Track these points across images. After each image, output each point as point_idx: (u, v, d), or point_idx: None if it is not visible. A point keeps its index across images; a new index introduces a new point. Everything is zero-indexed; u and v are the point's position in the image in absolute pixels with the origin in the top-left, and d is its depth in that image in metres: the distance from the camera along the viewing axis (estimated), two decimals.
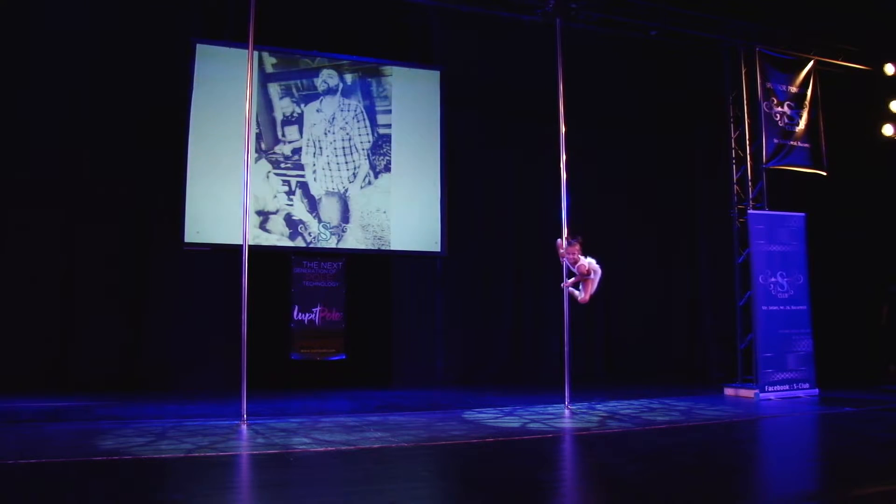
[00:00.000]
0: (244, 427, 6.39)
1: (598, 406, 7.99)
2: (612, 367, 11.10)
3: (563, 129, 8.20)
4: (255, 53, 7.98)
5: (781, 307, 9.00)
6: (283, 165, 9.70)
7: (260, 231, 9.42)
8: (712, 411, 7.61)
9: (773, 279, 9.00)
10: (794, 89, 9.65)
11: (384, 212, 10.11)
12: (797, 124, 9.60)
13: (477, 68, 10.66)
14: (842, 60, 10.10)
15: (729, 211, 9.54)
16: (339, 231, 9.89)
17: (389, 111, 10.29)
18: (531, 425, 6.69)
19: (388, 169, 10.21)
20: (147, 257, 9.23)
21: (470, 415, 7.29)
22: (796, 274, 9.13)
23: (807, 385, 9.00)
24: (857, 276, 10.90)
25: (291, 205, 9.67)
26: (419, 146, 10.36)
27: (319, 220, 9.79)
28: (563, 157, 8.17)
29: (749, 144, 9.39)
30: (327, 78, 10.02)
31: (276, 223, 9.59)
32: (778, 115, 9.49)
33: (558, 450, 5.93)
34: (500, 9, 8.75)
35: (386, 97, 10.28)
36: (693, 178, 11.57)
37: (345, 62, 10.11)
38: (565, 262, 7.52)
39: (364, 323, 9.94)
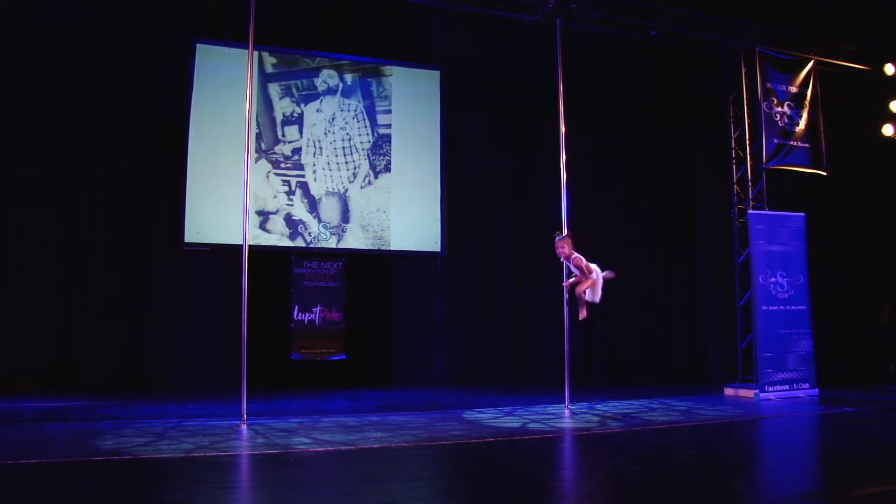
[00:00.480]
0: (244, 427, 6.38)
1: (598, 406, 7.99)
2: (612, 367, 11.10)
3: (563, 128, 8.20)
4: (255, 53, 7.97)
5: (781, 307, 9.00)
6: (283, 165, 9.70)
7: (260, 231, 9.42)
8: (712, 411, 7.61)
9: (773, 279, 9.00)
10: (794, 89, 9.65)
11: (384, 212, 10.11)
12: (797, 124, 9.60)
13: (477, 68, 10.66)
14: (842, 60, 10.10)
15: (729, 211, 9.54)
16: (339, 231, 9.89)
17: (389, 111, 10.29)
18: (531, 425, 6.69)
19: (388, 169, 10.21)
20: (147, 257, 9.22)
21: (470, 415, 7.29)
22: (796, 274, 9.13)
23: (807, 385, 9.00)
24: (857, 276, 10.90)
25: (291, 205, 9.68)
26: (419, 146, 10.36)
27: (319, 220, 9.79)
28: (563, 157, 8.16)
29: (749, 144, 9.38)
30: (327, 78, 10.02)
31: (276, 223, 9.60)
32: (778, 115, 9.49)
33: (558, 450, 5.93)
34: (500, 9, 8.75)
35: (386, 97, 10.28)
36: (693, 178, 11.56)
37: (345, 62, 10.11)
38: (565, 262, 7.51)
39: (364, 323, 9.94)
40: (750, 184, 9.34)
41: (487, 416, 7.18)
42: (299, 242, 9.68)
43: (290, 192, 9.69)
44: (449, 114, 10.51)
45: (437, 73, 10.50)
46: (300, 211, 9.71)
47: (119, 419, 6.69)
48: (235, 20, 8.94)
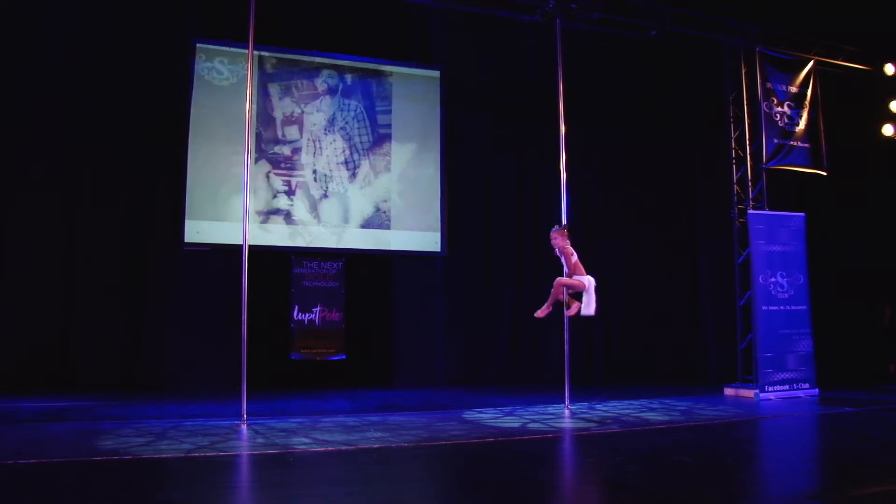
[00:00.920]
0: (244, 427, 6.38)
1: (598, 406, 7.99)
2: (612, 367, 11.10)
3: (563, 128, 8.20)
4: (255, 53, 7.97)
5: (781, 307, 9.00)
6: (283, 165, 9.70)
7: (260, 231, 9.41)
8: (712, 411, 7.61)
9: (773, 279, 8.99)
10: (794, 89, 9.65)
11: (384, 212, 10.11)
12: (797, 124, 9.60)
13: (477, 68, 10.67)
14: (842, 60, 10.09)
15: (729, 211, 9.54)
16: (339, 231, 9.89)
17: (389, 111, 10.29)
18: (531, 425, 6.69)
19: (388, 169, 10.21)
20: (147, 257, 9.22)
21: (470, 415, 7.29)
22: (796, 274, 9.13)
23: (807, 385, 9.00)
24: (857, 277, 10.89)
25: (291, 205, 9.68)
26: (419, 146, 10.36)
27: (319, 220, 9.79)
28: (563, 157, 8.17)
29: (749, 144, 9.38)
30: (327, 78, 10.03)
31: (276, 223, 9.60)
32: (778, 115, 9.49)
33: (558, 450, 5.93)
34: (500, 9, 8.74)
35: (386, 97, 10.28)
36: (693, 178, 11.57)
37: (345, 62, 10.11)
38: (559, 255, 7.44)
39: (364, 323, 9.94)
40: (750, 184, 9.34)
41: (487, 416, 7.18)
42: (299, 242, 9.68)
43: (290, 192, 9.69)
44: (449, 114, 10.51)
45: (437, 73, 10.51)
46: (300, 211, 9.72)
47: (119, 419, 6.69)
48: (235, 20, 8.95)
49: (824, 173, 9.71)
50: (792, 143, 9.54)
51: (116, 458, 5.02)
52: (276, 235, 9.57)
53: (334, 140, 9.97)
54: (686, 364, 11.30)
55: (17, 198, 8.70)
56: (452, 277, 10.51)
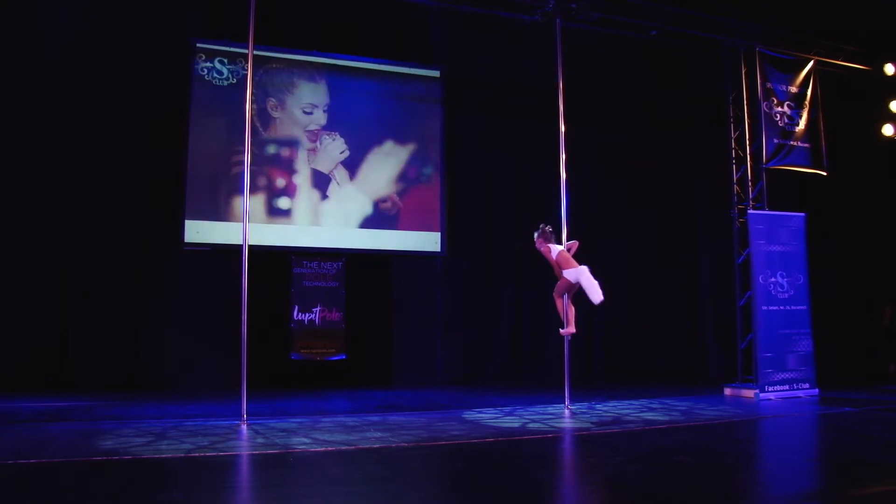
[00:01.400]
0: (244, 427, 6.38)
1: (598, 406, 7.99)
2: (612, 367, 11.10)
3: (563, 128, 8.20)
4: (255, 53, 7.95)
5: (781, 307, 9.00)
6: (283, 165, 9.69)
7: (260, 231, 9.40)
8: (712, 411, 7.61)
9: (773, 279, 8.99)
10: (794, 89, 9.65)
11: (384, 212, 10.11)
12: (797, 124, 9.60)
13: (477, 68, 10.67)
14: (842, 60, 10.09)
15: (729, 211, 9.54)
16: (339, 231, 9.88)
17: (389, 111, 10.28)
18: (531, 425, 6.69)
19: (388, 169, 10.21)
20: (147, 257, 9.22)
21: (470, 415, 7.29)
22: (796, 274, 9.13)
23: (807, 385, 9.00)
24: (857, 277, 10.89)
25: (292, 205, 9.67)
26: (419, 146, 10.36)
27: (319, 220, 9.78)
28: (563, 157, 8.17)
29: (749, 144, 9.38)
30: (327, 78, 10.02)
31: (276, 223, 9.59)
32: (778, 115, 9.49)
33: (558, 450, 5.93)
34: (500, 9, 8.74)
35: (386, 97, 10.27)
36: (693, 178, 11.56)
37: (345, 62, 10.10)
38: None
39: (364, 323, 9.94)
40: (750, 184, 9.34)
41: (487, 416, 7.18)
42: (299, 242, 9.68)
43: (290, 192, 9.69)
44: (449, 114, 10.51)
45: (437, 73, 10.51)
46: (300, 211, 9.71)
47: (119, 419, 6.69)
48: (235, 20, 8.96)
49: (824, 173, 9.71)
50: (792, 143, 9.54)
51: (116, 458, 5.02)
52: (276, 235, 9.57)
53: (334, 140, 9.97)
54: (686, 364, 11.30)
55: (17, 198, 8.69)
56: (452, 277, 10.51)
